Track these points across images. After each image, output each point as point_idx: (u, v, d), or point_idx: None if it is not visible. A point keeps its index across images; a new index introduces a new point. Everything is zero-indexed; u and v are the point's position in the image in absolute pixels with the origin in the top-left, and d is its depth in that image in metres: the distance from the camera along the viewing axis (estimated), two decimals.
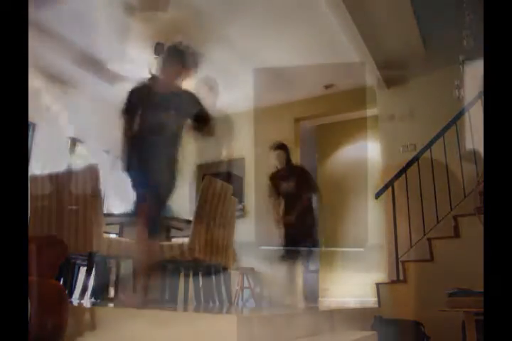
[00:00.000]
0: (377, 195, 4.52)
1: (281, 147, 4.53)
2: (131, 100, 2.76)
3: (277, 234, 4.34)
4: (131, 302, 2.44)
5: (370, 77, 5.40)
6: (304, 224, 4.31)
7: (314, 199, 4.57)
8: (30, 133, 4.67)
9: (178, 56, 2.88)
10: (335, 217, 5.84)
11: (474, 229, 3.40)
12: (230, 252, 3.57)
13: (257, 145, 5.64)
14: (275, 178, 4.51)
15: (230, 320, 1.85)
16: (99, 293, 3.09)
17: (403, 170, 4.44)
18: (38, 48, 2.52)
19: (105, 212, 3.19)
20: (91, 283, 2.88)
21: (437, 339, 3.42)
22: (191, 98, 2.87)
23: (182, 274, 3.35)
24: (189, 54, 2.90)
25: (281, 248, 4.24)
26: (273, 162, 4.51)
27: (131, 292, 2.58)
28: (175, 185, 2.72)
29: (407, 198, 4.48)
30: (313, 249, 4.28)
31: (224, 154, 3.92)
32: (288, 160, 4.47)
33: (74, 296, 3.07)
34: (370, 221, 5.51)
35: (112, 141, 3.52)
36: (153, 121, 2.68)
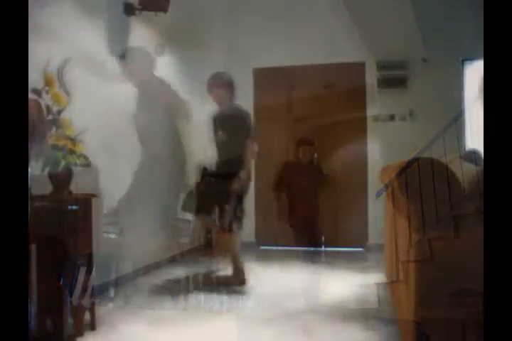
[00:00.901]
0: (378, 195, 4.51)
1: (309, 143, 4.43)
2: None
3: (283, 232, 4.30)
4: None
5: (370, 77, 5.41)
6: (316, 222, 4.26)
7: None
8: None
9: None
10: (335, 217, 5.83)
11: (474, 229, 3.39)
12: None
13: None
14: (289, 172, 4.42)
15: (230, 320, 1.86)
16: (99, 293, 3.09)
17: (403, 170, 4.42)
18: (37, 48, 2.53)
19: (105, 211, 3.20)
20: (91, 283, 2.88)
21: (437, 339, 3.41)
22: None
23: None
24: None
25: (285, 248, 4.21)
26: (300, 157, 4.40)
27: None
28: None
29: (407, 198, 4.46)
30: (320, 248, 4.25)
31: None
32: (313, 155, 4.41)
33: (74, 296, 3.06)
34: (370, 220, 5.51)
35: (113, 141, 3.52)
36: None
